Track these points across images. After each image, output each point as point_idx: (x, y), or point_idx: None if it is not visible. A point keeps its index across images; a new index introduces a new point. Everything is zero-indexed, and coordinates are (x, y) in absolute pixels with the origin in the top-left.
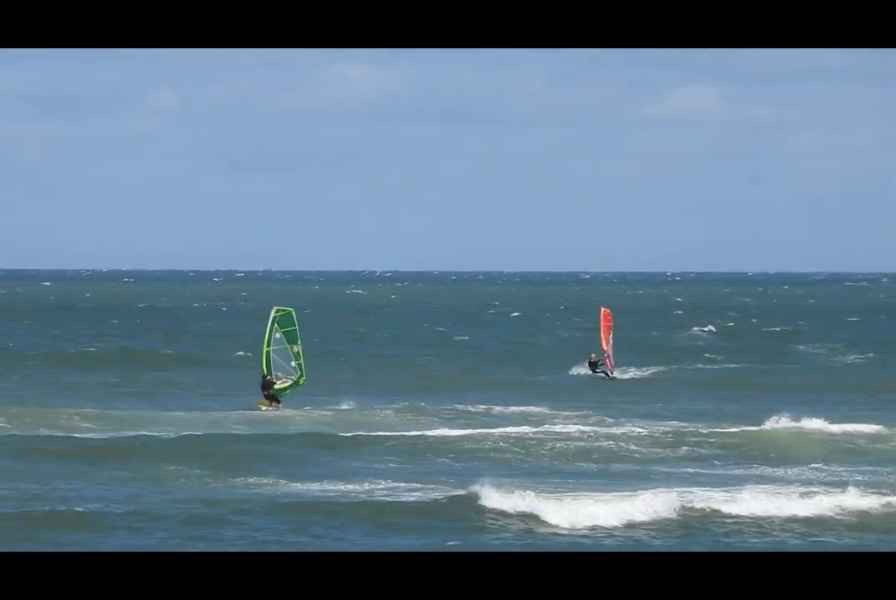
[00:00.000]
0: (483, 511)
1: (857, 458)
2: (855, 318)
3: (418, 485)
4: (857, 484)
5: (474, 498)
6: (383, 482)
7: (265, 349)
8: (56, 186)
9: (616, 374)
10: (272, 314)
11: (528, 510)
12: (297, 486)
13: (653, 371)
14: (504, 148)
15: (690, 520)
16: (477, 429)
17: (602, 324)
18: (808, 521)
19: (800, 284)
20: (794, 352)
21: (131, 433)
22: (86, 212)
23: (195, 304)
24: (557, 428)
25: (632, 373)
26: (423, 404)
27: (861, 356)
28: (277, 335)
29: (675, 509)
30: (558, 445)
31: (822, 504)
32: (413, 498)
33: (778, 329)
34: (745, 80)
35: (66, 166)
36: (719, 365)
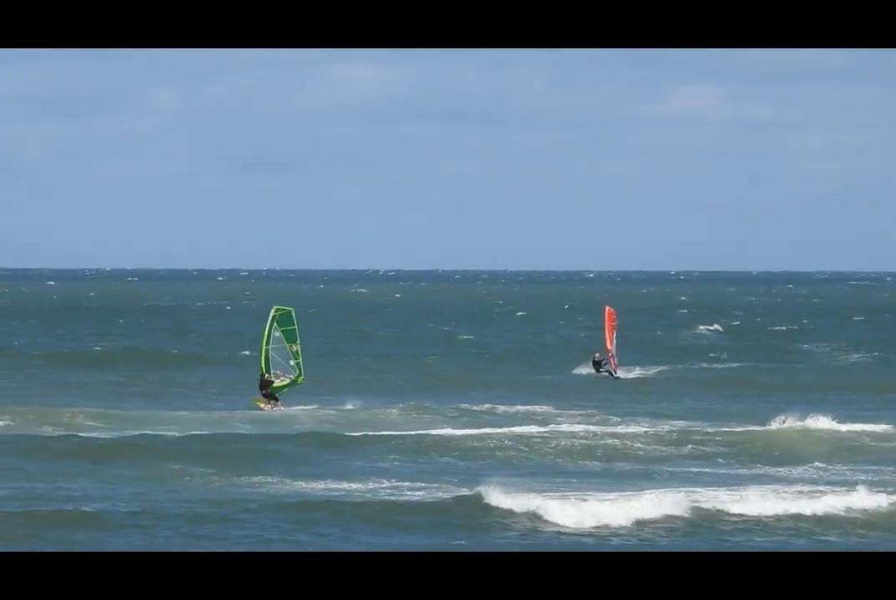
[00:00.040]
0: (489, 510)
1: (864, 457)
2: (860, 317)
3: (423, 485)
4: (864, 484)
5: (480, 497)
6: (388, 481)
7: (264, 347)
8: (56, 186)
9: (620, 374)
10: (272, 313)
11: (533, 509)
12: (303, 485)
13: (658, 370)
14: (504, 148)
15: (697, 520)
16: (482, 428)
17: (606, 323)
18: (815, 521)
19: (804, 283)
20: (800, 351)
21: (136, 432)
22: (87, 211)
23: (199, 303)
24: (562, 427)
25: (637, 373)
26: (427, 403)
27: (866, 355)
28: (277, 334)
29: (681, 509)
30: (563, 444)
31: (829, 503)
32: (418, 498)
33: (783, 328)
34: (746, 80)
35: (66, 166)
36: (724, 364)
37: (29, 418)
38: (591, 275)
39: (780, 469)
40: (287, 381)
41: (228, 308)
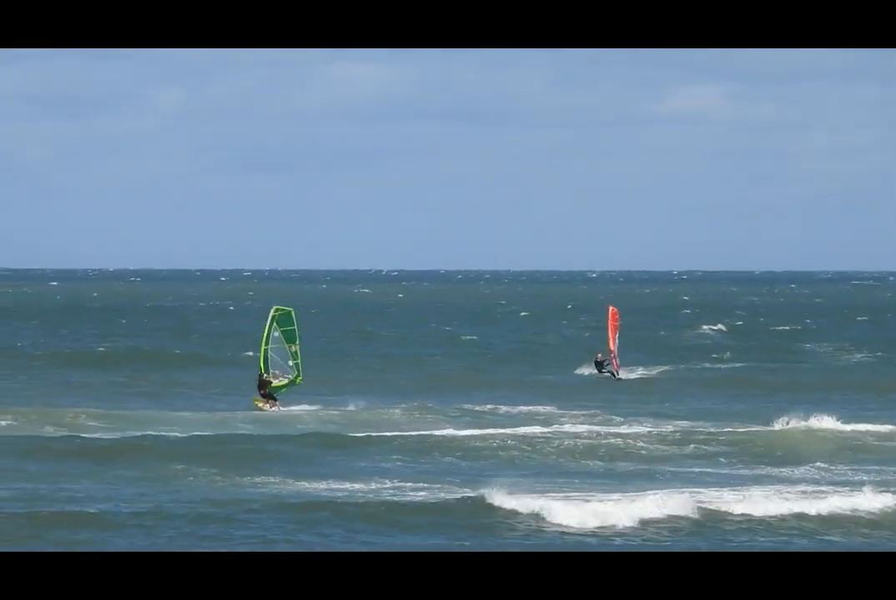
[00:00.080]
0: (492, 510)
1: (867, 457)
2: (863, 317)
3: (426, 485)
4: (868, 484)
5: (483, 497)
6: (391, 481)
7: (263, 347)
8: (57, 186)
9: (622, 374)
10: (271, 313)
11: (536, 510)
12: (305, 486)
13: (661, 370)
14: (505, 147)
15: (700, 520)
16: (484, 428)
17: (610, 323)
18: (819, 521)
19: (806, 283)
20: (803, 351)
21: (139, 433)
22: (88, 211)
23: (202, 304)
24: (565, 427)
25: (640, 372)
26: (430, 404)
27: (869, 355)
28: (276, 334)
29: (684, 509)
30: (566, 445)
31: (833, 504)
32: (421, 498)
33: (787, 328)
34: (746, 80)
35: (67, 166)
36: (727, 364)
37: (31, 418)
38: (594, 275)
39: (783, 469)
40: (285, 381)
41: (231, 308)
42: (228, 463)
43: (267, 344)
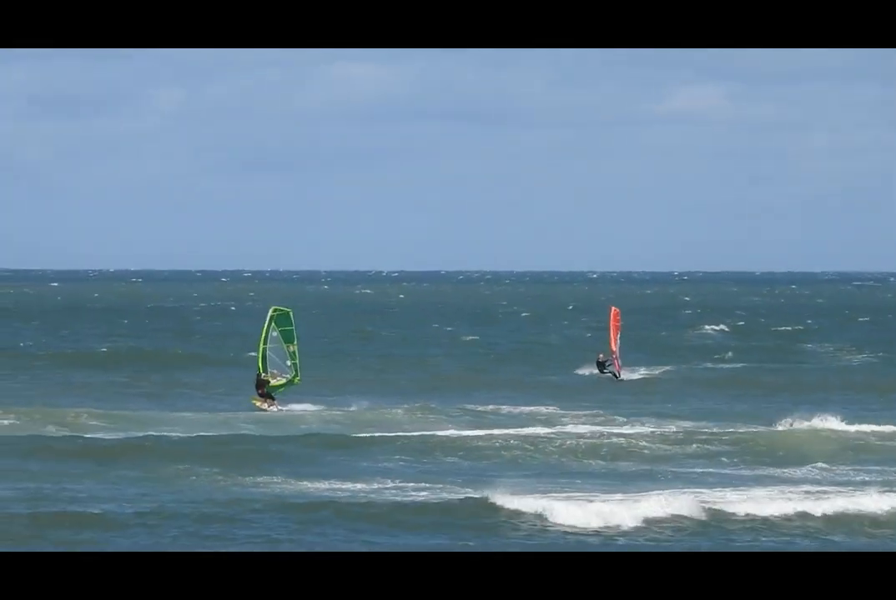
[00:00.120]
0: (495, 510)
1: (870, 458)
2: (864, 318)
3: (428, 485)
4: (871, 484)
5: (486, 497)
6: (393, 481)
7: (261, 346)
8: (57, 186)
9: (624, 375)
10: (269, 313)
11: (539, 510)
12: (308, 486)
13: (662, 370)
14: (505, 148)
15: (703, 520)
16: (486, 428)
17: (611, 323)
18: (823, 521)
19: (807, 284)
20: (805, 352)
21: (141, 433)
22: (88, 212)
23: (203, 304)
24: (568, 427)
25: (641, 373)
26: (432, 404)
27: (871, 355)
28: (274, 333)
29: (688, 509)
30: (569, 445)
31: (836, 504)
32: (424, 498)
33: (788, 328)
34: (746, 79)
35: (67, 166)
36: (729, 364)
37: (33, 418)
38: (595, 275)
39: (786, 469)
40: (283, 381)
41: (233, 308)
42: (231, 464)
43: (265, 343)
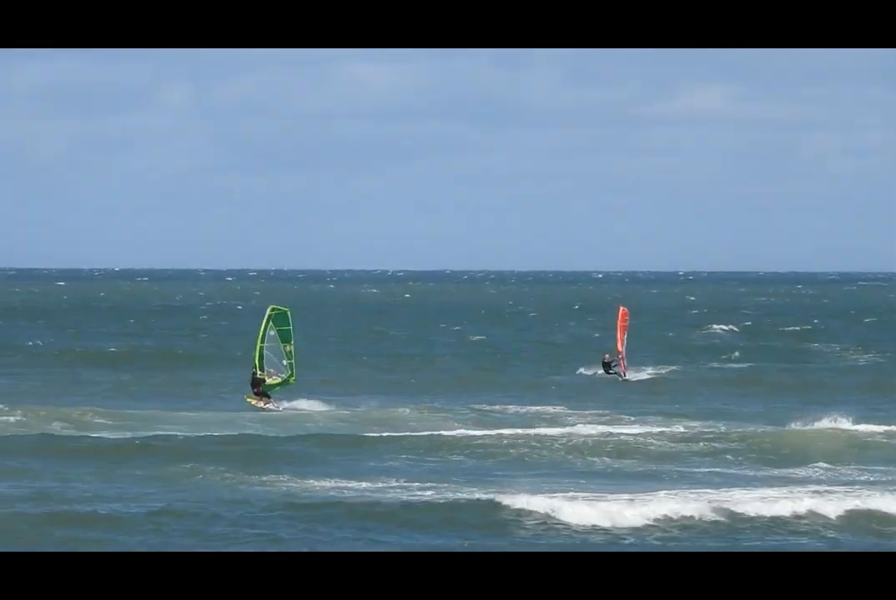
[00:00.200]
0: (502, 510)
1: (879, 458)
2: (871, 318)
3: (436, 484)
4: (880, 484)
5: (493, 497)
6: (401, 481)
7: (259, 345)
8: (64, 185)
9: (630, 375)
10: (267, 312)
11: (547, 509)
12: (315, 485)
13: (670, 370)
14: (509, 147)
15: (711, 520)
16: (494, 428)
17: (619, 323)
18: (831, 521)
19: (813, 284)
20: (812, 352)
21: (148, 432)
22: (93, 211)
23: (209, 303)
24: (575, 427)
25: (649, 372)
26: (440, 403)
27: (879, 355)
28: (272, 332)
29: (696, 509)
30: (576, 444)
31: (843, 504)
32: (431, 498)
33: (796, 328)
34: (755, 80)
35: (76, 165)
36: (737, 364)
37: (40, 417)
38: (599, 275)
39: (794, 469)
40: (279, 380)
41: (239, 307)
42: (238, 463)
43: (262, 342)
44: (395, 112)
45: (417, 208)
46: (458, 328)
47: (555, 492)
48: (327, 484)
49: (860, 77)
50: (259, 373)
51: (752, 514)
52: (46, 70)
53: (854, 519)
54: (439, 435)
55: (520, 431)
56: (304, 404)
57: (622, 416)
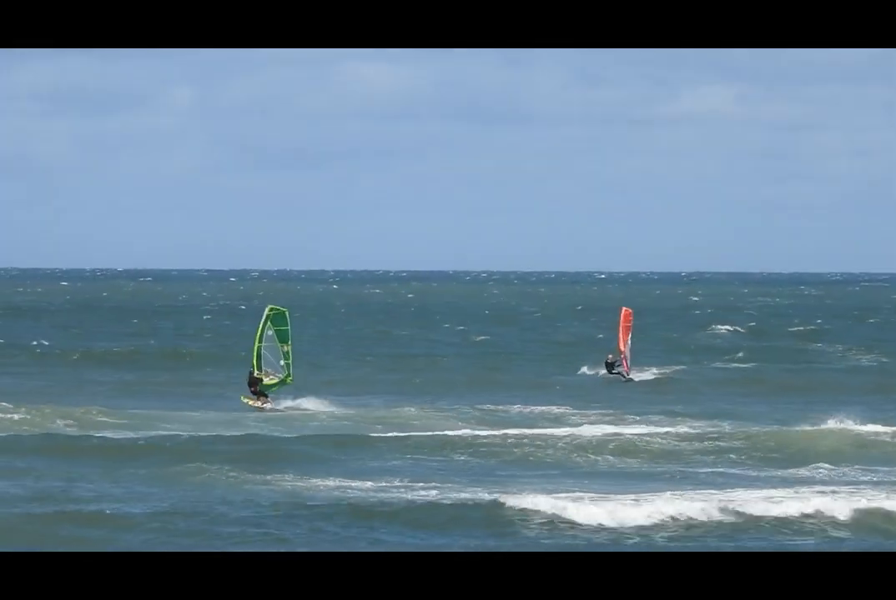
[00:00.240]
0: (507, 510)
1: (884, 458)
2: (874, 318)
3: (440, 484)
4: (885, 484)
5: (497, 497)
6: (405, 480)
7: (257, 344)
8: (66, 185)
9: (635, 375)
10: (266, 312)
11: (551, 509)
12: (320, 485)
13: (674, 370)
14: (512, 147)
15: (716, 520)
16: (499, 428)
17: (622, 324)
18: (838, 521)
19: (816, 284)
20: (816, 352)
21: (152, 432)
22: (96, 211)
23: (213, 304)
24: (580, 427)
25: (653, 373)
26: (444, 403)
27: (883, 355)
28: (270, 332)
29: (701, 509)
30: (581, 444)
31: (848, 504)
32: (436, 497)
33: (800, 328)
34: (759, 80)
35: (77, 165)
36: (741, 364)
37: (45, 416)
38: (602, 275)
39: (799, 469)
40: (276, 381)
41: (243, 307)
42: (243, 462)
43: (260, 341)
44: (397, 112)
45: (419, 208)
46: (461, 328)
47: (559, 492)
48: (332, 483)
49: (860, 77)
50: (256, 372)
51: (757, 514)
52: (47, 70)
53: (860, 519)
54: (444, 434)
55: (524, 431)
56: (308, 404)
57: (627, 416)
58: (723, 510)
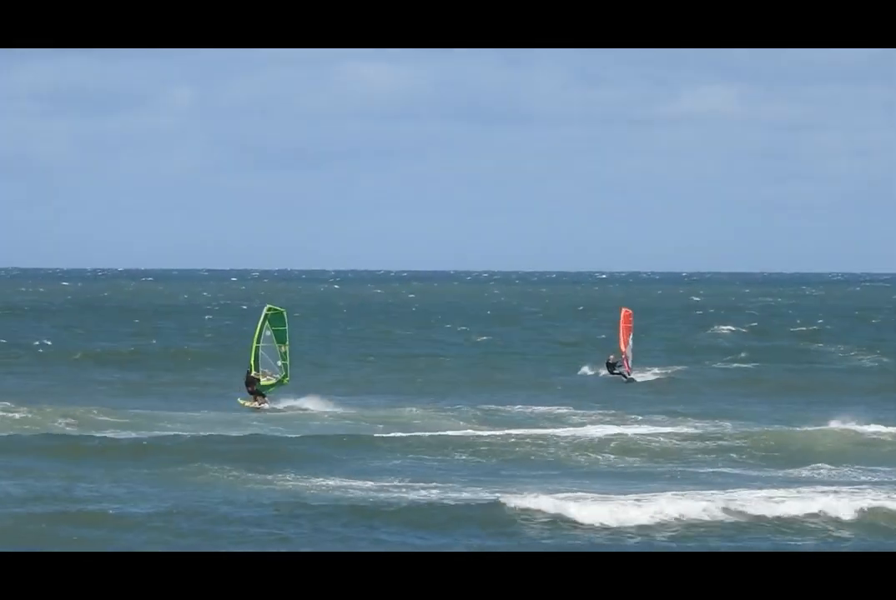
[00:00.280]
0: (508, 510)
1: (886, 458)
2: (876, 318)
3: (441, 484)
4: (887, 484)
5: (498, 497)
6: (407, 480)
7: (255, 345)
8: (66, 185)
9: (635, 376)
10: (264, 312)
11: (553, 509)
12: (321, 485)
13: (676, 370)
14: (520, 146)
15: (718, 521)
16: (500, 428)
17: (622, 324)
18: (839, 522)
19: (818, 284)
20: (818, 352)
21: (154, 432)
22: (96, 210)
23: (214, 303)
24: (581, 428)
25: (655, 373)
26: (446, 403)
27: (885, 355)
28: (268, 333)
29: (702, 509)
30: (583, 444)
31: (850, 504)
32: (437, 497)
33: (802, 329)
34: (760, 80)
35: (78, 165)
36: (742, 364)
37: (47, 416)
38: (603, 275)
39: (801, 469)
40: (273, 381)
41: (244, 307)
42: (244, 462)
43: (258, 342)
44: (397, 112)
45: (420, 208)
46: (463, 328)
47: (561, 492)
48: (333, 483)
49: (860, 77)
50: (254, 372)
51: (759, 514)
52: (47, 70)
53: (861, 519)
54: (445, 434)
55: (526, 431)
56: (310, 404)
57: (628, 416)
58: (724, 510)
